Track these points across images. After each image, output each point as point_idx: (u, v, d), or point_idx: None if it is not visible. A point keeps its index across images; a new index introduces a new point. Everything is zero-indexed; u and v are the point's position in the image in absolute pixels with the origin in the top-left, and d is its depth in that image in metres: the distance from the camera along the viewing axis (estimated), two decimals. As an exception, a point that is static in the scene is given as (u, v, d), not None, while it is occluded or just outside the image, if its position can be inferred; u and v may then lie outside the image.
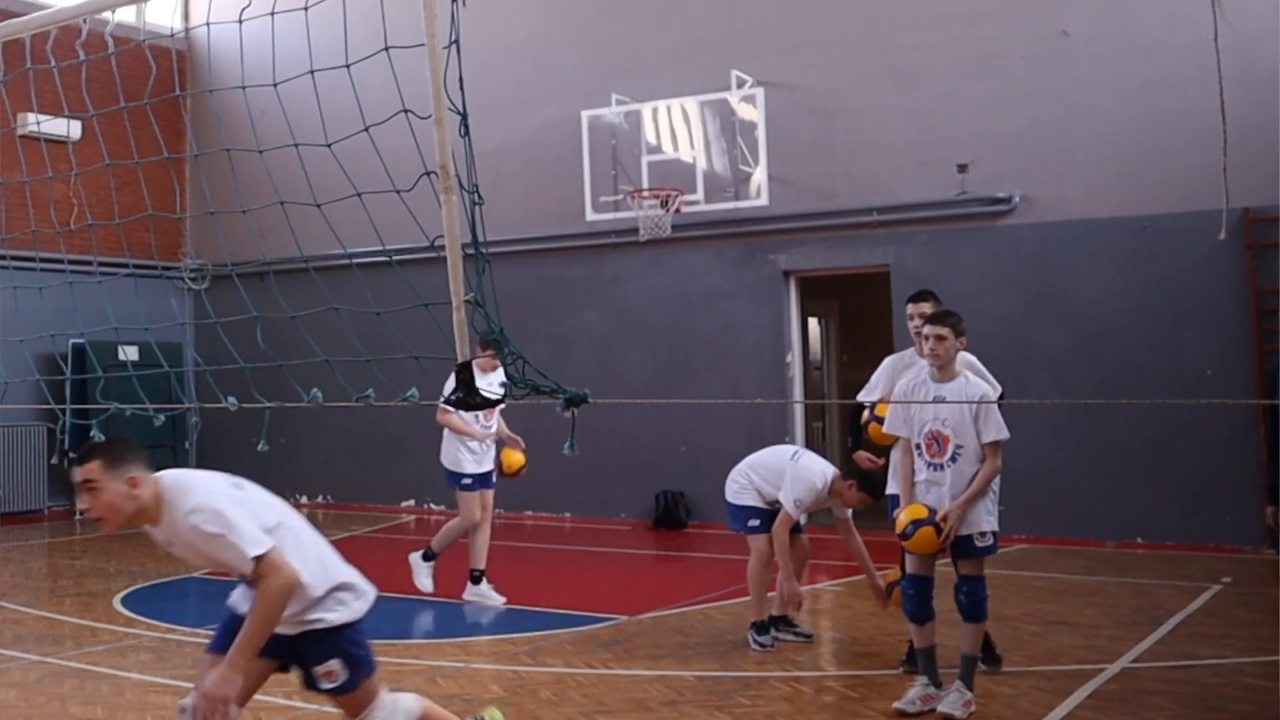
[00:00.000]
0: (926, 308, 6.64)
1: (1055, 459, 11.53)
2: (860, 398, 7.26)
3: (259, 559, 3.95)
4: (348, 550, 13.98)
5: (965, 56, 12.50)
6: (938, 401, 6.08)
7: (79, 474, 4.03)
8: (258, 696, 6.58)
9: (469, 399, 3.44)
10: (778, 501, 7.50)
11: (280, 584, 3.98)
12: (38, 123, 13.50)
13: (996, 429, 5.98)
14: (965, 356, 6.41)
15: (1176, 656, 7.16)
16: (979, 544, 5.99)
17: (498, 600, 9.23)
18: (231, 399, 4.32)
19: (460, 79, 3.52)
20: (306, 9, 4.09)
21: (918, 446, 6.16)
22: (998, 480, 6.05)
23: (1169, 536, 11.35)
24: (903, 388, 6.33)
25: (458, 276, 3.40)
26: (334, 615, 4.25)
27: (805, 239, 13.39)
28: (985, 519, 6.00)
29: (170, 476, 4.16)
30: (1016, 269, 11.90)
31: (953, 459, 6.01)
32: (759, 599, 7.61)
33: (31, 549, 13.30)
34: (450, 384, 9.04)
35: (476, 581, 9.35)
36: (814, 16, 13.34)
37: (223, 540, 3.97)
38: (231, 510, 4.01)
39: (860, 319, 16.40)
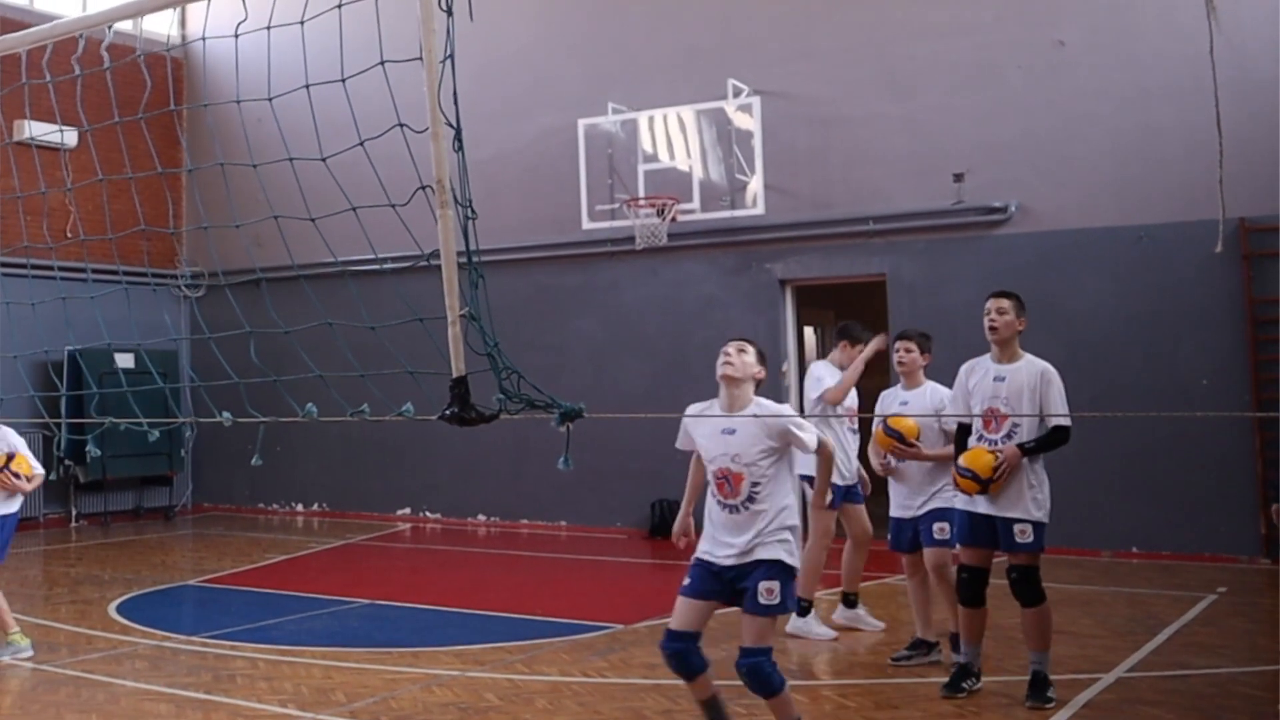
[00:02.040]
0: (1005, 303, 6.49)
1: (1050, 468, 11.49)
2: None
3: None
4: (344, 558, 13.87)
5: (961, 66, 12.52)
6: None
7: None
8: (257, 705, 6.59)
9: (464, 414, 3.43)
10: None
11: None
12: (32, 138, 13.51)
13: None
14: (1042, 365, 6.40)
15: (1172, 666, 7.16)
16: (764, 601, 5.09)
17: (825, 634, 8.08)
18: (226, 414, 4.30)
19: (455, 94, 3.52)
20: (303, 22, 4.09)
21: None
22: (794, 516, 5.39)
23: (1165, 546, 11.36)
24: (962, 375, 6.62)
25: (453, 291, 3.40)
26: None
27: (801, 248, 13.40)
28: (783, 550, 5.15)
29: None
30: (1012, 278, 11.79)
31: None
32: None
33: (27, 556, 13.27)
34: (813, 382, 8.22)
35: (851, 605, 8.32)
36: (810, 26, 13.37)
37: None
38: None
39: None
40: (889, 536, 7.49)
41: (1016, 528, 6.24)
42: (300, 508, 16.80)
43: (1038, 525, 6.28)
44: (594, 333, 14.52)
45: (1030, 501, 6.27)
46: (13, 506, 8.06)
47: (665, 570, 12.17)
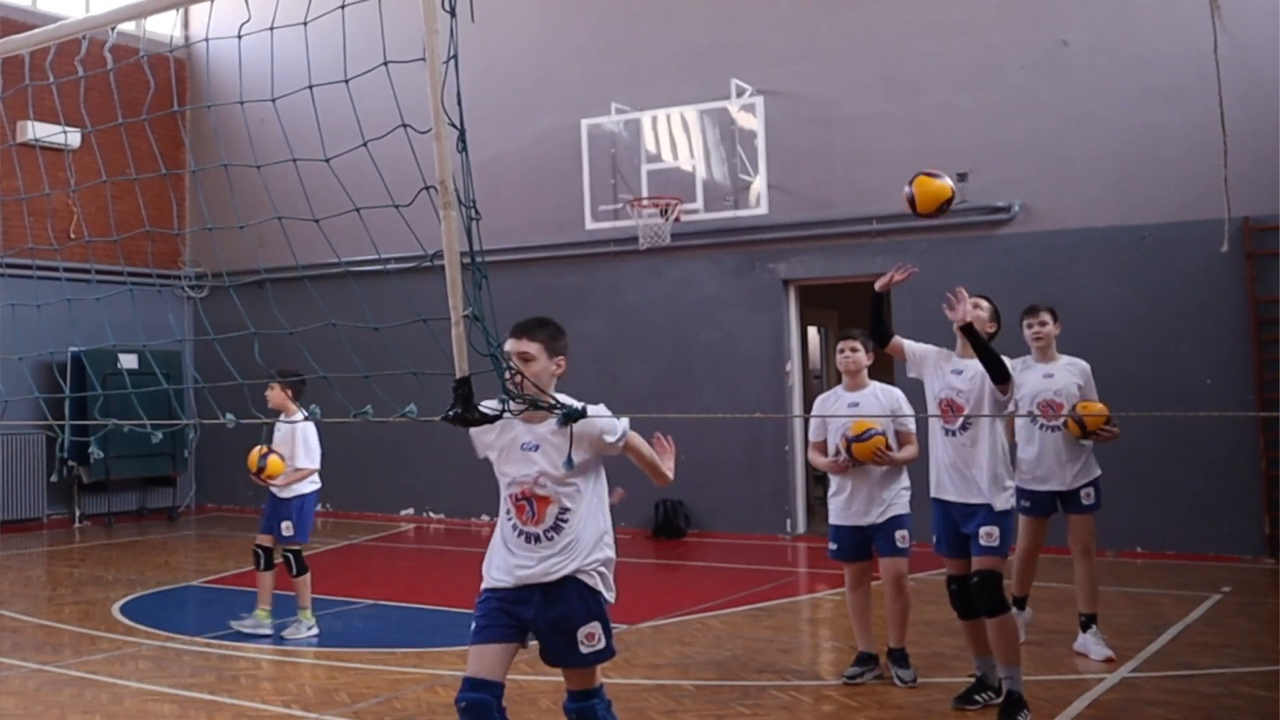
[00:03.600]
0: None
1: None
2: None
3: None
4: (348, 558, 13.86)
5: (964, 66, 12.52)
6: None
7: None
8: (261, 705, 6.59)
9: (467, 414, 3.43)
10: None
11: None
12: (35, 136, 13.51)
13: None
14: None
15: (1176, 666, 7.15)
16: (585, 650, 4.37)
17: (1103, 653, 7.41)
18: (230, 415, 4.30)
19: (458, 94, 3.51)
20: (306, 24, 4.09)
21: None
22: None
23: (1169, 546, 11.35)
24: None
25: (456, 292, 3.40)
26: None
27: (804, 248, 13.40)
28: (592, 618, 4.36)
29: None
30: (1016, 278, 11.89)
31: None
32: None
33: (30, 557, 13.30)
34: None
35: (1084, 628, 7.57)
36: (813, 26, 13.36)
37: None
38: None
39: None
40: (833, 545, 6.97)
41: (983, 531, 6.02)
42: (304, 508, 16.80)
43: (1003, 525, 6.04)
44: (597, 333, 14.52)
45: (1001, 487, 6.08)
46: (307, 486, 8.57)
47: (669, 570, 12.18)
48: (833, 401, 7.15)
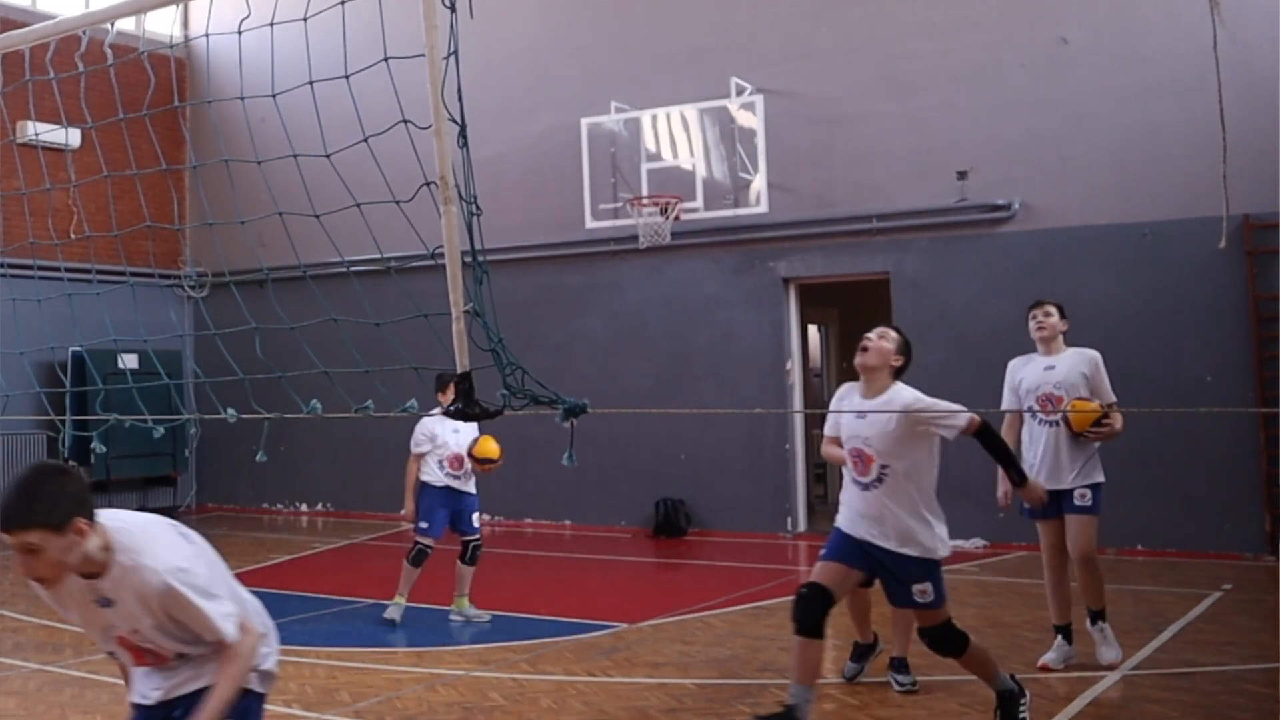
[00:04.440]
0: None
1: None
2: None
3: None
4: (349, 558, 13.81)
5: (964, 64, 12.52)
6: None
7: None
8: (266, 707, 6.58)
9: (468, 409, 3.43)
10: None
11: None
12: (36, 135, 13.52)
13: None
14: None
15: (1177, 664, 7.15)
16: None
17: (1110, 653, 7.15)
18: (231, 410, 4.30)
19: (459, 89, 3.51)
20: (306, 19, 4.09)
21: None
22: None
23: (1169, 543, 11.35)
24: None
25: (457, 287, 3.40)
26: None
27: (805, 246, 13.40)
28: None
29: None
30: (1016, 276, 11.89)
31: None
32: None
33: (31, 557, 13.28)
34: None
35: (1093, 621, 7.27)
36: (813, 25, 13.36)
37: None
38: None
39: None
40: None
41: (916, 589, 5.59)
42: (304, 508, 16.80)
43: (936, 576, 5.62)
44: (597, 332, 14.52)
45: (931, 533, 5.63)
46: (470, 485, 9.25)
47: (669, 569, 12.18)
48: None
